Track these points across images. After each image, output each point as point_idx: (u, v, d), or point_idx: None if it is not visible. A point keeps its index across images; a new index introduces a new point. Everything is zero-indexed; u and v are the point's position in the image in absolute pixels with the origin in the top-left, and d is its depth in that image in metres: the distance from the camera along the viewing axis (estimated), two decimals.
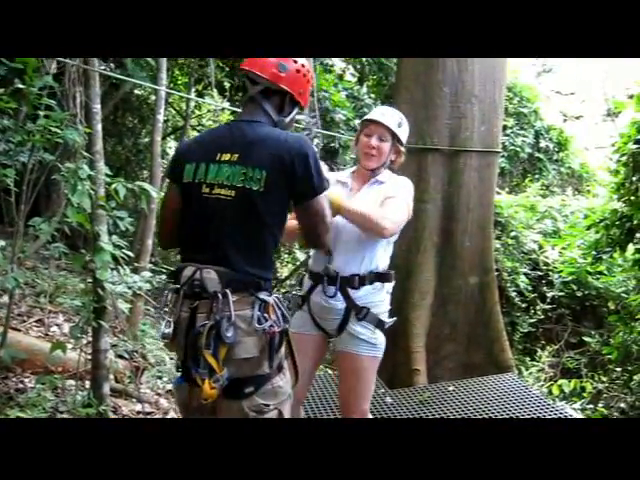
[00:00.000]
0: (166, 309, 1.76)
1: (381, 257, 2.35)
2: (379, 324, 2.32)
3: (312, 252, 2.45)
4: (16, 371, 3.20)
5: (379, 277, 2.34)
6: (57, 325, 3.90)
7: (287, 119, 1.89)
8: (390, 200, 2.29)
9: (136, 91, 7.54)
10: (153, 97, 6.64)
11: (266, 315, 1.71)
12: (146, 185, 2.85)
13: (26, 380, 3.17)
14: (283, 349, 1.80)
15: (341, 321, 2.32)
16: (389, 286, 2.40)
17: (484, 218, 4.43)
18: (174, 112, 8.49)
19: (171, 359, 3.94)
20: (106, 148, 7.98)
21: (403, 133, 2.41)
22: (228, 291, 1.65)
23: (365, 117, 2.46)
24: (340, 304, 2.30)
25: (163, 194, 2.14)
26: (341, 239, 2.28)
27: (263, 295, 1.72)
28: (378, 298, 2.35)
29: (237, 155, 1.73)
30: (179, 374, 1.81)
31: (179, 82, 7.85)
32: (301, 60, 1.88)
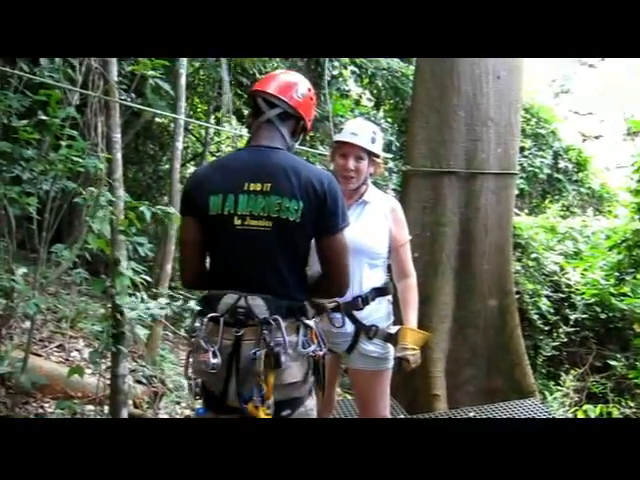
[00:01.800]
0: (205, 339, 1.69)
1: (377, 273, 2.36)
2: (388, 338, 2.34)
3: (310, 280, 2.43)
4: (36, 396, 3.24)
5: (380, 292, 2.35)
6: (77, 350, 3.95)
7: (296, 144, 1.91)
8: (403, 249, 2.40)
9: (157, 119, 7.70)
10: (173, 125, 6.79)
11: (309, 339, 1.74)
12: (169, 208, 2.90)
13: (46, 405, 3.20)
14: (320, 373, 1.82)
15: (351, 343, 2.33)
16: (389, 297, 2.42)
17: (502, 240, 4.40)
18: (194, 139, 8.64)
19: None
20: (127, 175, 8.16)
21: (378, 145, 2.36)
22: (279, 317, 1.66)
23: (338, 137, 2.37)
24: (349, 328, 2.31)
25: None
26: None
27: (306, 320, 1.75)
28: (383, 312, 2.38)
29: (269, 185, 1.71)
30: (199, 404, 1.80)
31: (199, 110, 8.01)
32: (309, 84, 1.90)
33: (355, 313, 2.30)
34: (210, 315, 1.70)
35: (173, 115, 4.30)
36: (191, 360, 1.76)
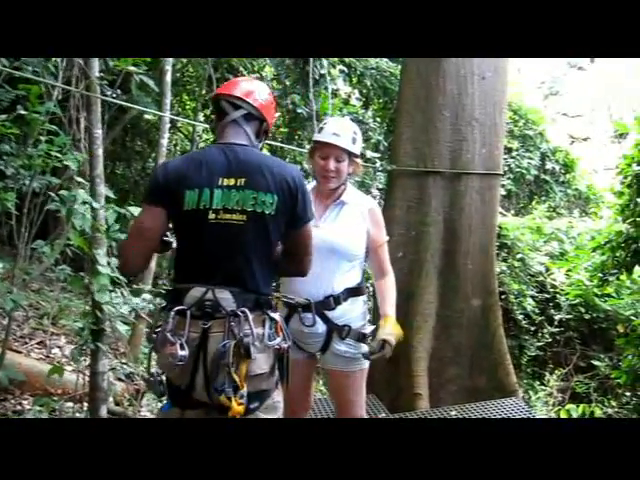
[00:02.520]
0: (172, 332, 1.71)
1: (352, 273, 2.34)
2: (362, 338, 2.32)
3: (282, 280, 2.40)
4: (15, 393, 3.21)
5: (353, 292, 2.34)
6: (58, 347, 3.92)
7: (260, 145, 1.97)
8: (381, 249, 2.41)
9: (145, 116, 7.67)
10: (168, 121, 6.75)
11: (274, 333, 1.79)
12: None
13: (24, 402, 3.18)
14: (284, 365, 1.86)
15: (324, 342, 2.33)
16: (364, 297, 2.42)
17: (486, 240, 4.42)
18: (182, 136, 8.60)
19: None
20: (115, 171, 8.14)
21: (358, 146, 2.34)
22: (246, 310, 1.71)
23: (318, 137, 2.33)
24: (320, 327, 2.29)
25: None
26: None
27: (272, 313, 1.80)
28: (356, 312, 2.36)
29: (243, 180, 1.76)
30: (165, 400, 1.81)
31: (187, 107, 7.98)
32: (270, 91, 1.99)
33: (327, 313, 2.29)
34: (177, 308, 1.73)
35: (156, 112, 4.28)
36: (155, 356, 1.78)
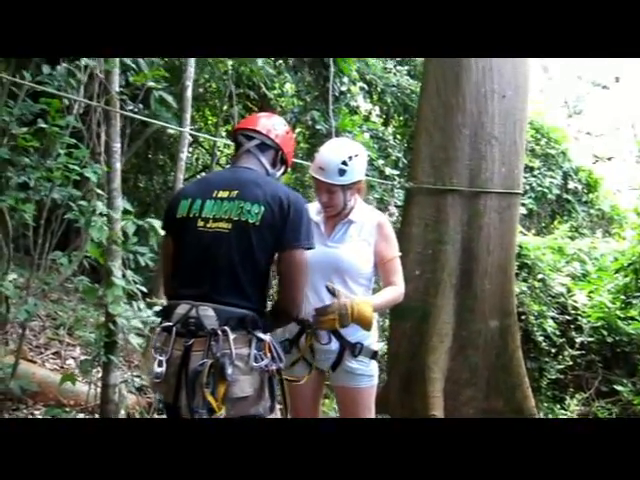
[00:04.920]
0: (157, 348, 1.74)
1: (361, 292, 2.31)
2: (373, 355, 2.31)
3: None
4: (28, 403, 3.23)
5: None
6: (73, 358, 3.95)
7: (278, 174, 2.00)
8: (390, 264, 2.34)
9: (169, 130, 7.79)
10: (188, 136, 6.84)
11: (262, 354, 1.72)
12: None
13: (37, 412, 3.19)
14: (276, 388, 1.80)
15: (335, 360, 2.30)
16: (375, 314, 2.35)
17: (505, 260, 4.34)
18: (204, 151, 8.70)
19: None
20: (138, 185, 8.25)
21: (352, 172, 2.23)
22: (227, 329, 1.67)
23: (310, 169, 2.32)
24: (334, 345, 2.27)
25: None
26: (313, 284, 2.21)
27: (259, 333, 1.74)
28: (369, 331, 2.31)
29: (236, 192, 1.80)
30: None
31: (209, 122, 8.08)
32: (286, 125, 2.06)
33: (340, 330, 2.25)
34: (163, 325, 1.74)
35: (173, 127, 4.33)
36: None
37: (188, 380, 1.66)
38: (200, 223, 1.78)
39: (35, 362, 3.60)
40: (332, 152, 2.29)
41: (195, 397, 1.64)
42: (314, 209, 2.39)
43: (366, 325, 2.17)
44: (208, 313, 1.70)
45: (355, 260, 2.29)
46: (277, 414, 1.80)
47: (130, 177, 7.92)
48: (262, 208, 1.76)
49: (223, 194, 1.80)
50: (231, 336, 1.66)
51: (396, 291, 2.35)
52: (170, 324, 1.73)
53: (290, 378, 2.08)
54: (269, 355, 1.74)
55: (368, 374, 2.32)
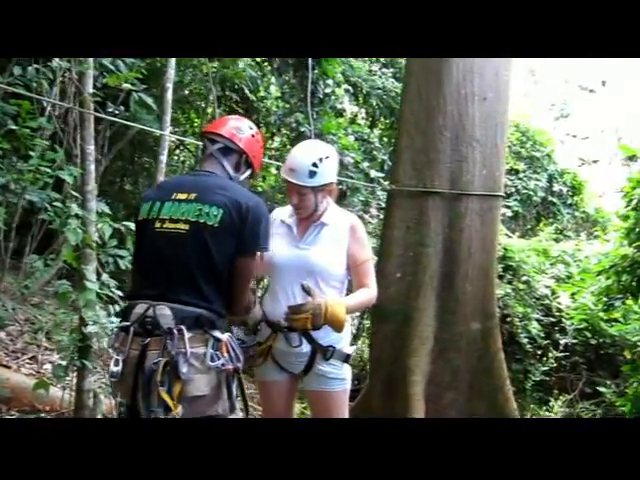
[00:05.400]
0: (115, 348, 1.76)
1: (333, 294, 2.28)
2: (346, 359, 2.30)
3: (266, 300, 2.37)
4: (1, 409, 3.19)
5: None
6: (51, 362, 3.90)
7: (241, 177, 2.01)
8: (363, 267, 2.33)
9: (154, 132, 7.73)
10: (168, 138, 6.80)
11: (219, 353, 1.75)
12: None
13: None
14: (234, 388, 1.81)
15: (307, 363, 2.28)
16: (348, 317, 2.35)
17: (486, 262, 4.34)
18: (190, 154, 8.65)
19: None
20: (124, 187, 8.19)
21: (323, 174, 2.22)
22: (183, 327, 1.69)
23: (281, 170, 2.32)
24: (305, 348, 2.26)
25: None
26: (284, 286, 2.23)
27: (217, 333, 1.77)
28: (341, 333, 2.28)
29: (194, 195, 1.83)
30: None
31: (195, 124, 8.04)
32: (255, 128, 2.06)
33: (312, 333, 2.24)
34: (121, 325, 1.77)
35: (150, 129, 4.30)
36: None
37: (144, 379, 1.67)
38: (157, 224, 1.81)
39: (10, 367, 3.55)
40: (303, 154, 2.27)
41: (151, 396, 1.65)
42: (287, 211, 2.38)
43: (338, 327, 2.16)
44: (165, 312, 1.72)
45: (327, 262, 2.27)
46: (238, 414, 1.82)
47: (116, 180, 7.87)
48: (221, 211, 1.78)
49: (182, 196, 1.82)
50: (187, 335, 1.68)
51: (369, 293, 2.34)
52: (128, 324, 1.75)
53: (261, 379, 2.13)
54: (226, 355, 1.76)
55: (341, 377, 2.31)
